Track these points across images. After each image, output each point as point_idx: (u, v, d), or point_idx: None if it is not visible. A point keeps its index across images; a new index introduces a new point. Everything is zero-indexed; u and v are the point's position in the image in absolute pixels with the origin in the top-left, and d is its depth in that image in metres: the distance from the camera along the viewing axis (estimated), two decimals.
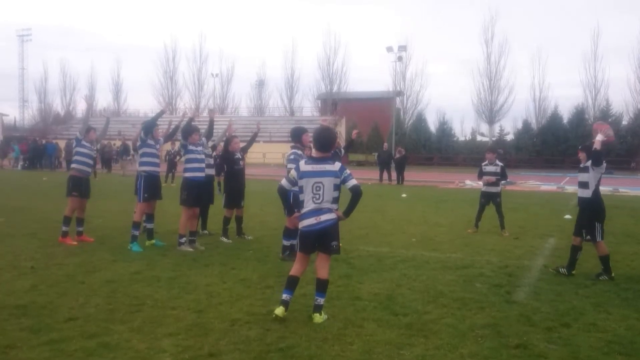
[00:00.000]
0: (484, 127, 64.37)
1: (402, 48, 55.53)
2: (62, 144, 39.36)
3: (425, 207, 16.18)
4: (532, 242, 10.09)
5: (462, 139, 64.44)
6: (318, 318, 5.35)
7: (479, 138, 64.14)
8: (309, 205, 5.42)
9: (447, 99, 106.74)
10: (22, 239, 9.50)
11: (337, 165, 5.45)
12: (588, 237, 7.47)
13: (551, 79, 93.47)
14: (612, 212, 15.33)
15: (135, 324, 5.17)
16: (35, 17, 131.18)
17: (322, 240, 5.45)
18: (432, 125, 61.54)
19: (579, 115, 55.57)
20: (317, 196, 5.38)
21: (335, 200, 5.45)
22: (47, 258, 8.00)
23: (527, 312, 5.74)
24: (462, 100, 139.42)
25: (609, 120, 53.78)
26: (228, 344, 4.68)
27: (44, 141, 41.27)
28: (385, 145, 32.46)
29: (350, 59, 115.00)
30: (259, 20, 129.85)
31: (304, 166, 5.53)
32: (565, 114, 56.92)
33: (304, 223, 5.46)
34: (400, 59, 56.51)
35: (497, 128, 61.62)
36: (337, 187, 5.44)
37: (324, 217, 5.38)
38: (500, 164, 11.70)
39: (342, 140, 58.45)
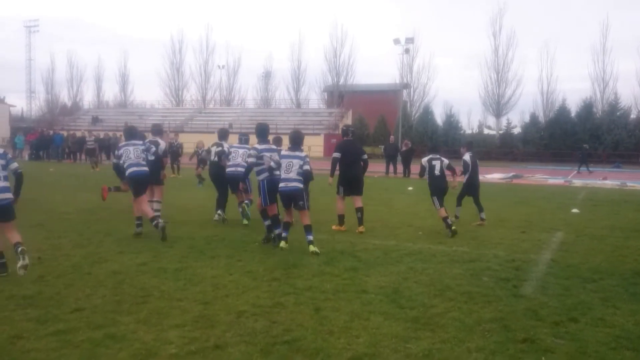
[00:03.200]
0: (491, 120, 64.26)
1: (409, 40, 55.19)
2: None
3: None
4: (539, 236, 10.03)
5: (469, 132, 64.20)
6: (313, 247, 8.02)
7: (486, 131, 63.95)
8: (283, 175, 8.36)
9: (454, 91, 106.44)
10: (29, 230, 9.49)
11: (303, 154, 8.53)
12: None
13: (559, 72, 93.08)
14: (620, 207, 15.32)
15: (142, 315, 5.18)
16: (42, 9, 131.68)
17: (292, 199, 8.43)
18: (439, 118, 61.28)
19: (587, 108, 55.14)
20: (288, 169, 8.34)
21: (300, 174, 8.41)
22: (54, 249, 8.04)
23: (535, 306, 5.71)
24: (469, 93, 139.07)
25: (617, 114, 53.54)
26: (234, 336, 4.68)
27: (51, 132, 41.39)
28: (392, 138, 32.36)
29: (357, 51, 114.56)
30: (265, 11, 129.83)
31: (284, 152, 8.66)
32: (573, 107, 56.52)
33: (280, 185, 8.41)
34: (407, 51, 56.23)
35: (504, 121, 61.41)
36: (301, 166, 8.41)
37: (291, 184, 8.34)
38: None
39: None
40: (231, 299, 5.77)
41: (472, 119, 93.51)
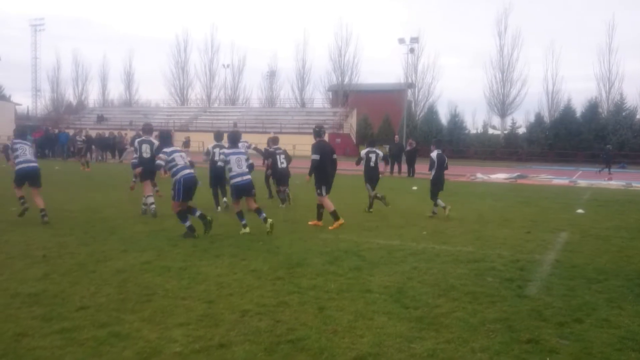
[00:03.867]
0: (496, 120, 64.08)
1: (414, 40, 55.08)
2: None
3: None
4: (544, 236, 10.00)
5: (473, 132, 64.06)
6: (269, 221, 9.37)
7: (490, 131, 63.77)
8: (237, 170, 9.54)
9: (459, 91, 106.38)
10: (34, 228, 9.57)
11: (243, 150, 10.02)
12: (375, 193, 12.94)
13: (565, 72, 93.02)
14: (625, 207, 15.26)
15: (146, 313, 5.19)
16: (47, 8, 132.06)
17: (246, 190, 9.64)
18: (444, 117, 61.26)
19: (592, 109, 54.97)
20: (240, 165, 9.58)
21: (249, 167, 9.70)
22: (59, 247, 8.06)
23: (539, 306, 5.69)
24: (474, 92, 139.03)
25: (623, 114, 53.33)
26: (238, 335, 4.69)
27: (56, 130, 41.51)
28: (397, 137, 32.31)
29: (361, 50, 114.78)
30: (270, 11, 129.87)
31: (227, 150, 9.79)
32: (579, 107, 56.41)
33: (237, 179, 9.52)
34: (412, 50, 56.13)
35: (509, 121, 61.28)
36: (247, 160, 9.74)
37: (245, 177, 9.58)
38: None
39: (353, 133, 57.67)
40: (235, 297, 5.77)
41: (477, 118, 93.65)
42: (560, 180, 26.35)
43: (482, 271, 7.19)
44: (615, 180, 26.27)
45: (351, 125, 60.71)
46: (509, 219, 12.31)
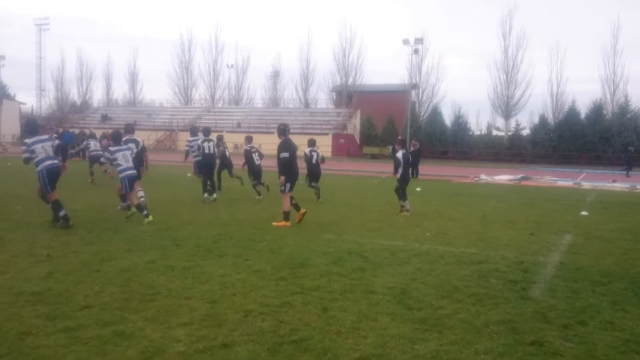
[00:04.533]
0: (500, 122, 64.11)
1: (419, 41, 55.13)
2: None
3: (440, 201, 16.09)
4: (548, 238, 9.98)
5: (477, 133, 64.06)
6: (150, 217, 10.26)
7: (494, 132, 63.71)
8: (125, 165, 10.57)
9: (463, 92, 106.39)
10: (39, 227, 9.60)
11: (126, 147, 10.94)
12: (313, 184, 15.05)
13: (569, 74, 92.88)
14: (629, 209, 15.21)
15: (150, 313, 5.20)
16: (52, 7, 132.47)
17: (134, 180, 10.77)
18: (448, 118, 61.28)
19: (597, 110, 54.86)
20: (127, 160, 10.64)
21: (133, 162, 10.85)
22: (63, 246, 8.08)
23: (543, 309, 5.68)
24: (478, 94, 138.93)
25: (627, 116, 53.19)
26: (241, 335, 4.69)
27: (60, 130, 41.56)
28: (400, 138, 32.25)
29: (366, 51, 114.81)
30: (275, 11, 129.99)
31: (113, 148, 10.76)
32: (583, 109, 56.35)
33: (126, 172, 10.54)
34: (416, 51, 56.16)
35: (513, 122, 61.24)
36: (131, 154, 10.89)
37: (132, 171, 10.63)
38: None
39: (356, 134, 57.45)
40: (239, 297, 5.77)
41: (481, 120, 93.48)
42: (564, 182, 26.29)
43: (486, 273, 7.18)
44: (619, 183, 26.19)
45: (355, 126, 60.70)
46: (512, 220, 12.29)
